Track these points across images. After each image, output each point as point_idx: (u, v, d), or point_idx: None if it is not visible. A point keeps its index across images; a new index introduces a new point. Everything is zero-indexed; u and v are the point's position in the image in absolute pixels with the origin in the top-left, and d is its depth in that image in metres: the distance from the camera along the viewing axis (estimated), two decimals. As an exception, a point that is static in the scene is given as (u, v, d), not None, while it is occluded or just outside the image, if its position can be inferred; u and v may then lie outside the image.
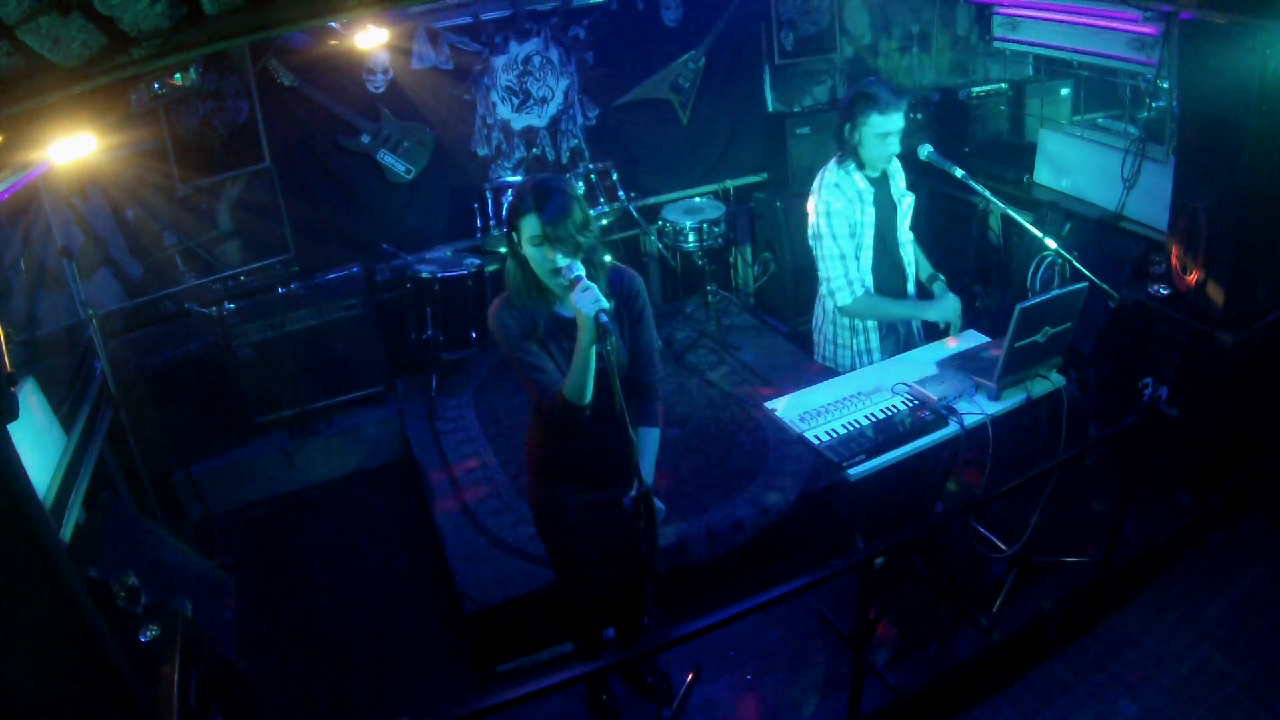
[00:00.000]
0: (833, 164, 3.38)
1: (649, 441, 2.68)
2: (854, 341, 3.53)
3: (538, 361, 2.48)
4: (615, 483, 2.69)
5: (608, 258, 2.61)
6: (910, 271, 3.58)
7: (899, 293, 3.53)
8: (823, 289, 3.50)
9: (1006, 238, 5.05)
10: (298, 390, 4.91)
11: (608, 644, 3.34)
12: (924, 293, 3.60)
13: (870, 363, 3.52)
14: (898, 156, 3.36)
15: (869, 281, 3.41)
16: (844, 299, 3.37)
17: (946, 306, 3.38)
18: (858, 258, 3.37)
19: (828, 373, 3.54)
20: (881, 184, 3.39)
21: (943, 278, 3.59)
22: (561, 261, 2.35)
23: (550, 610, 3.53)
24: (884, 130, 3.18)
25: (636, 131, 5.89)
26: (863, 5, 6.21)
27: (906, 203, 3.50)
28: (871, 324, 3.49)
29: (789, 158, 5.57)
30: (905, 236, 3.53)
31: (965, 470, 3.96)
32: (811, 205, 3.41)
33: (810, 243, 3.45)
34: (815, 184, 3.41)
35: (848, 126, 3.25)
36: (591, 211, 2.43)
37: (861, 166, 3.32)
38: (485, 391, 5.20)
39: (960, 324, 3.40)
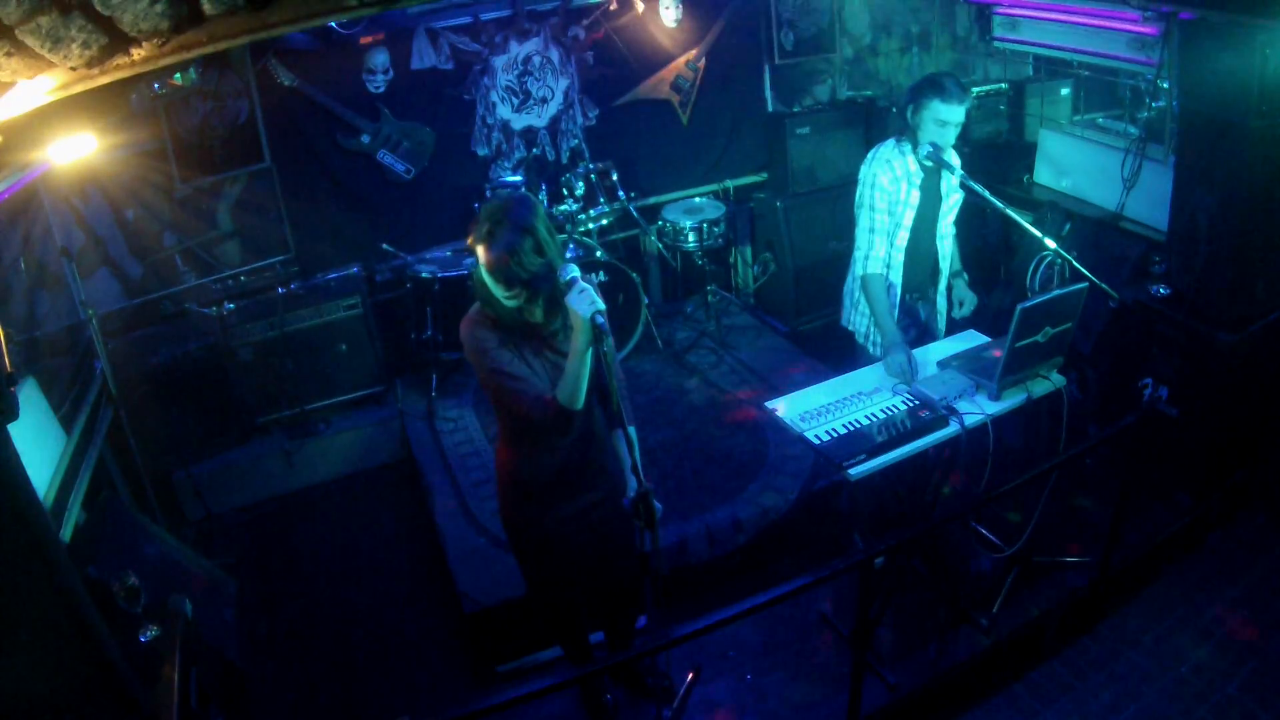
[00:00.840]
0: (891, 141, 3.50)
1: (635, 439, 2.68)
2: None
3: (519, 371, 2.44)
4: (592, 487, 2.70)
5: (579, 264, 2.55)
6: (944, 266, 3.65)
7: (928, 282, 3.64)
8: (855, 251, 3.63)
9: (1006, 238, 5.05)
10: (298, 390, 4.91)
11: (596, 647, 3.34)
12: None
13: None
14: (957, 152, 3.44)
15: (894, 263, 3.51)
16: (861, 268, 3.53)
17: (893, 364, 3.31)
18: (893, 237, 3.47)
19: (828, 373, 3.55)
20: (932, 173, 3.46)
21: (965, 277, 3.64)
22: (501, 292, 2.35)
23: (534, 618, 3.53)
24: (943, 118, 3.29)
25: (636, 131, 5.89)
26: (863, 5, 6.21)
27: (954, 199, 3.56)
28: (893, 295, 3.58)
29: (789, 158, 5.57)
30: (946, 231, 3.60)
31: (954, 473, 3.94)
32: (861, 174, 3.53)
33: (855, 212, 3.58)
34: (869, 156, 3.53)
35: (911, 108, 3.38)
36: (554, 233, 2.38)
37: (917, 150, 3.41)
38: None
39: (910, 375, 3.30)
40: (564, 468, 2.63)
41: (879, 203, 3.44)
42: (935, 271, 3.64)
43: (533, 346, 2.50)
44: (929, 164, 3.41)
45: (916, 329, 3.74)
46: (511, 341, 2.46)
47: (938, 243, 3.59)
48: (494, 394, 2.52)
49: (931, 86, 3.31)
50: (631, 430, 2.62)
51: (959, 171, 3.37)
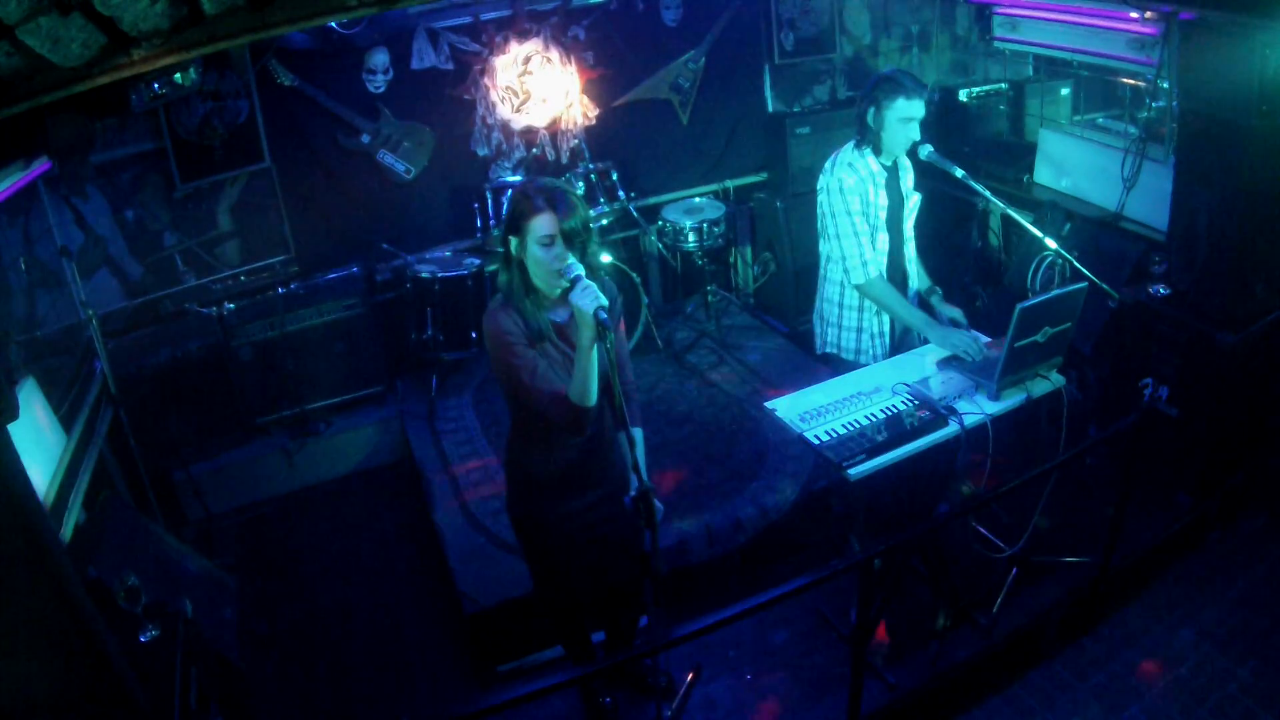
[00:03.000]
0: (849, 146, 3.41)
1: (639, 440, 2.68)
2: (866, 323, 3.50)
3: (539, 369, 2.47)
4: (601, 484, 2.71)
5: (607, 257, 2.62)
6: (912, 270, 3.59)
7: (901, 288, 3.54)
8: (824, 271, 3.51)
9: (1006, 238, 5.06)
10: (298, 390, 4.91)
11: (598, 647, 3.34)
12: (922, 302, 3.61)
13: (881, 346, 3.53)
14: (936, 151, 3.37)
15: (884, 267, 3.43)
16: (858, 277, 3.36)
17: (955, 339, 3.27)
18: (874, 240, 3.38)
19: (828, 373, 3.54)
20: (893, 173, 3.42)
21: (940, 291, 3.57)
22: (570, 259, 2.36)
23: (539, 615, 3.53)
24: (907, 115, 3.23)
25: (636, 131, 5.89)
26: (863, 5, 6.21)
27: (913, 200, 3.52)
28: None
29: (789, 158, 5.57)
30: (909, 234, 3.55)
31: (979, 473, 3.94)
32: (822, 184, 3.43)
33: (820, 225, 3.46)
34: (827, 165, 3.42)
35: (871, 110, 3.28)
36: (591, 212, 2.46)
37: (878, 153, 3.36)
38: (485, 391, 5.20)
39: (976, 353, 3.26)
40: (572, 465, 2.65)
41: (854, 205, 3.29)
42: (905, 276, 3.58)
43: (554, 344, 2.52)
44: (899, 163, 3.38)
45: (895, 337, 3.64)
46: (534, 337, 2.48)
47: (904, 246, 3.53)
48: (510, 388, 2.53)
49: (892, 85, 3.22)
50: (637, 431, 2.64)
51: (958, 171, 3.36)
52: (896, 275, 3.53)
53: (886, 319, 3.50)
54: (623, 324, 2.70)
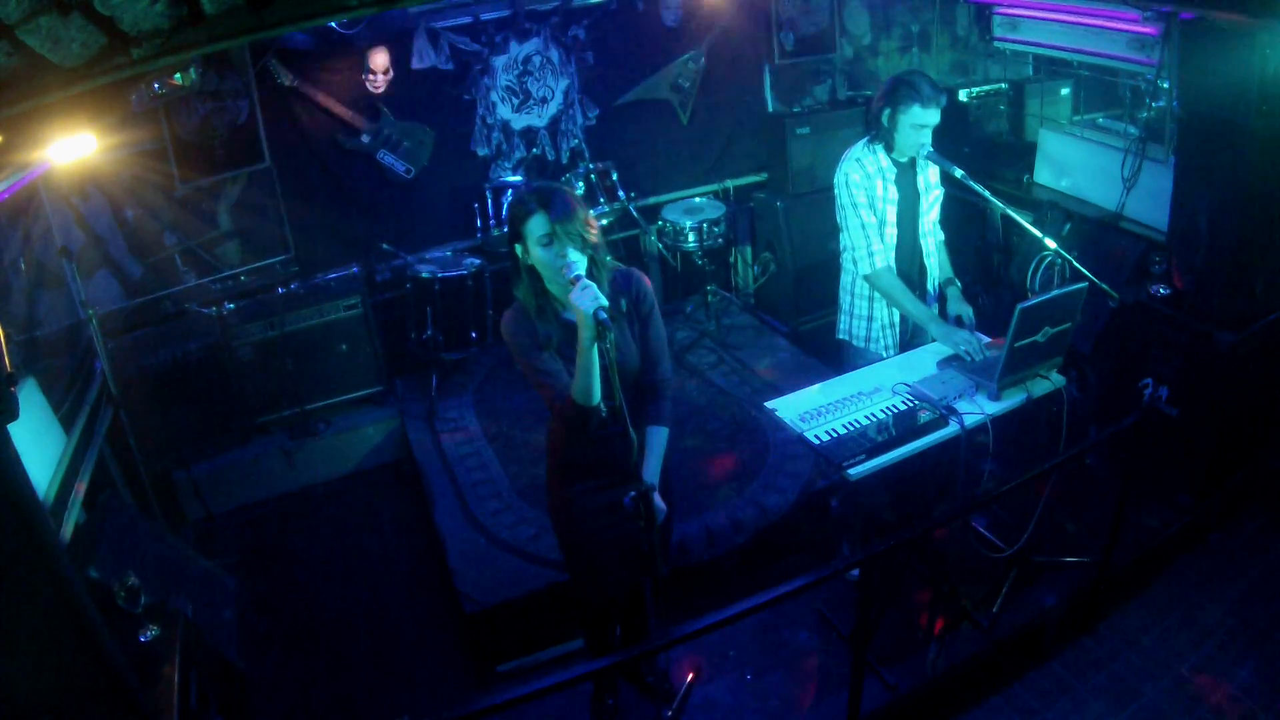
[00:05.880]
0: (861, 142, 3.45)
1: (658, 440, 2.73)
2: (876, 313, 3.56)
3: (549, 368, 2.52)
4: (626, 483, 2.70)
5: (608, 258, 2.63)
6: (931, 266, 3.61)
7: (915, 285, 3.58)
8: (845, 259, 3.57)
9: (1006, 238, 5.05)
10: (298, 390, 4.91)
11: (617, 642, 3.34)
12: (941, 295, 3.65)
13: (891, 336, 3.57)
14: (935, 151, 3.38)
15: (892, 260, 3.46)
16: (865, 267, 3.45)
17: (958, 337, 3.31)
18: (882, 234, 3.42)
19: (828, 373, 3.55)
20: (907, 169, 3.44)
21: (959, 285, 3.60)
22: (573, 255, 2.37)
23: (550, 610, 3.53)
24: (921, 122, 3.25)
25: (636, 131, 5.89)
26: (863, 5, 6.21)
27: (933, 195, 3.53)
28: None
29: (789, 158, 5.57)
30: (928, 229, 3.57)
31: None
32: (835, 178, 3.48)
33: (837, 219, 3.53)
34: (841, 160, 3.48)
35: (886, 111, 3.31)
36: (591, 212, 2.46)
37: (890, 151, 3.39)
38: (485, 391, 5.20)
39: (977, 353, 3.29)
40: (599, 456, 2.69)
41: (859, 199, 3.38)
42: (923, 271, 3.61)
43: (571, 345, 2.53)
44: (917, 160, 3.39)
45: (908, 331, 3.70)
46: (546, 337, 2.52)
47: (920, 240, 3.56)
48: (530, 383, 2.61)
49: (909, 90, 3.22)
50: (663, 430, 2.77)
51: (958, 171, 3.36)
52: (912, 269, 3.56)
53: (897, 310, 3.53)
54: (657, 312, 2.72)
